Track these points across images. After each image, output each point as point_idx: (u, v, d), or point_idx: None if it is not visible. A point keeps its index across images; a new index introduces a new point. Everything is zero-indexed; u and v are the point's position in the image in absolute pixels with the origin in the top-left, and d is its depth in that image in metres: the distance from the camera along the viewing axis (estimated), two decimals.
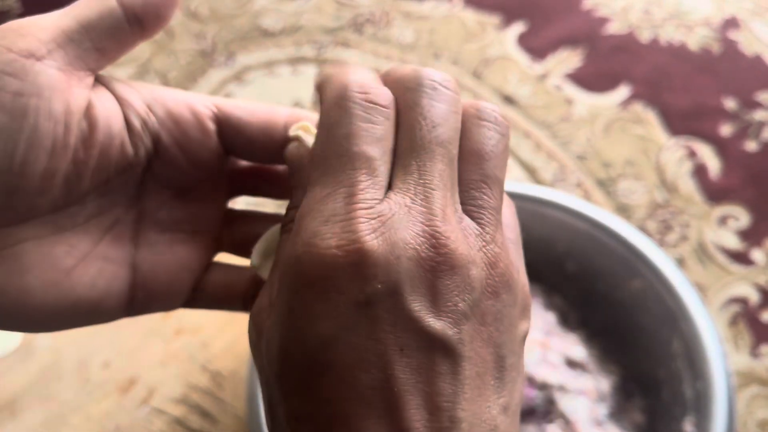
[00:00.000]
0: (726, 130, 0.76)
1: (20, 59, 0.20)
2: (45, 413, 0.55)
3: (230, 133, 0.26)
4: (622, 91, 0.80)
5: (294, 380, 0.19)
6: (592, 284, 0.55)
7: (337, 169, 0.20)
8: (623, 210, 0.69)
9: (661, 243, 0.66)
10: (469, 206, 0.21)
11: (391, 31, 0.90)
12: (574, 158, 0.74)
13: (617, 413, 0.52)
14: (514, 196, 0.54)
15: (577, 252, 0.55)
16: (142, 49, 0.89)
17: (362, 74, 0.23)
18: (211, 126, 0.25)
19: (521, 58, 0.85)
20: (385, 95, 0.22)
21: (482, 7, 0.92)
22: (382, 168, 0.21)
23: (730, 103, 0.78)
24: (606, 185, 0.71)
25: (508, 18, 0.91)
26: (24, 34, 0.21)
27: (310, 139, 0.25)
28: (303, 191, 0.22)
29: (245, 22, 0.93)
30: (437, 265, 0.19)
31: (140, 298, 0.24)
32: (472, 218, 0.21)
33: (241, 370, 0.57)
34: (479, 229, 0.21)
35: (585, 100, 0.80)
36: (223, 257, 0.29)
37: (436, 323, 0.19)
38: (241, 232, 0.28)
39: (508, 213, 0.25)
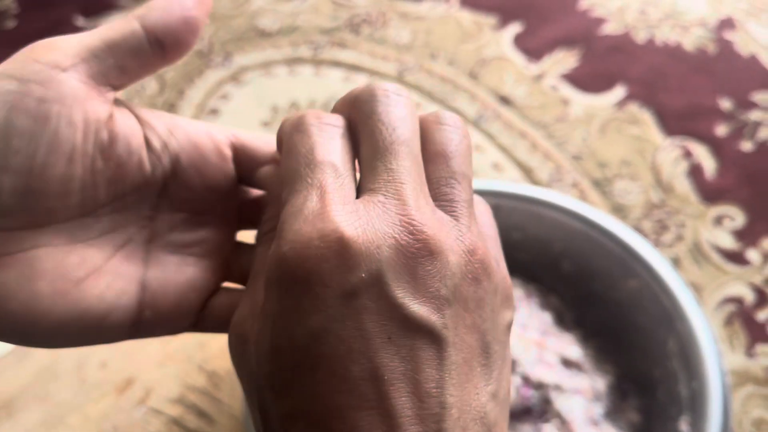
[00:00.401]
0: (721, 130, 0.76)
1: (46, 69, 0.22)
2: (42, 413, 0.55)
3: (245, 160, 0.27)
4: (618, 92, 0.81)
5: (286, 379, 0.20)
6: (588, 284, 0.56)
7: (306, 176, 0.21)
8: (619, 210, 0.69)
9: (657, 243, 0.66)
10: (441, 201, 0.22)
11: (387, 32, 0.90)
12: (570, 158, 0.74)
13: (613, 413, 0.52)
14: (510, 197, 0.54)
15: (573, 252, 0.55)
16: None
17: (314, 111, 0.24)
18: (228, 152, 0.27)
19: (517, 58, 0.86)
20: (335, 117, 0.24)
21: (479, 8, 0.93)
22: (348, 174, 0.22)
23: (725, 104, 0.79)
24: (602, 185, 0.71)
25: (505, 18, 0.91)
26: (52, 48, 0.22)
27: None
28: (275, 206, 0.24)
29: (242, 22, 0.93)
30: (417, 252, 0.20)
31: (147, 317, 0.25)
32: (445, 212, 0.22)
33: None
34: (453, 221, 0.22)
35: (581, 101, 0.80)
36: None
37: (420, 309, 0.19)
38: (249, 263, 0.28)
39: (483, 210, 0.26)
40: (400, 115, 0.23)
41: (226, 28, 0.92)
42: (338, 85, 0.83)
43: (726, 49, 0.85)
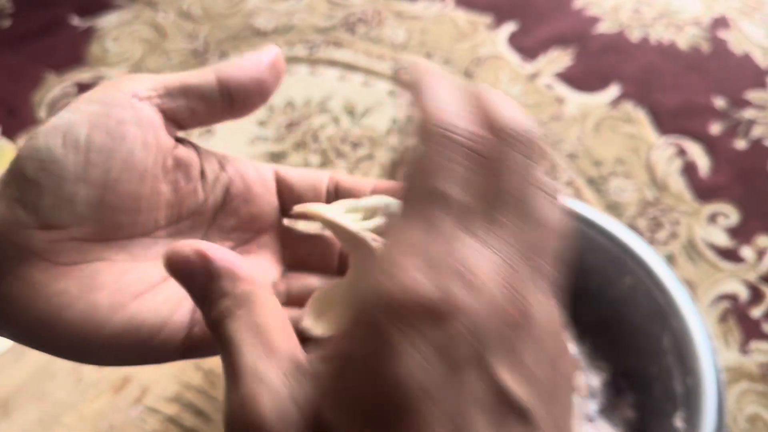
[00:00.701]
0: (715, 128, 0.76)
1: (126, 96, 0.24)
2: (38, 412, 0.55)
3: (285, 191, 0.29)
4: (613, 90, 0.81)
5: (373, 421, 0.19)
6: (583, 282, 0.56)
7: (423, 208, 0.20)
8: (614, 208, 0.69)
9: (652, 240, 0.67)
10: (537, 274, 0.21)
11: (383, 31, 0.90)
12: (565, 157, 0.74)
13: (608, 409, 0.52)
14: None
15: (568, 250, 0.55)
16: (135, 49, 0.89)
17: (463, 105, 0.21)
18: (272, 185, 0.29)
19: (512, 57, 0.86)
20: (488, 143, 0.21)
21: (474, 7, 0.93)
22: (468, 213, 0.20)
23: (719, 102, 0.79)
24: (597, 183, 0.72)
25: (500, 18, 0.91)
26: (133, 80, 0.25)
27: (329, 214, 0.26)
28: (228, 280, 0.22)
29: (238, 21, 0.93)
30: (518, 326, 0.19)
31: (197, 335, 0.25)
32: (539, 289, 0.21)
33: None
34: (546, 298, 0.20)
35: (575, 99, 0.80)
36: None
37: (517, 388, 0.19)
38: (295, 287, 0.29)
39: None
40: (549, 205, 0.21)
41: (221, 27, 0.92)
42: (334, 84, 0.83)
43: (720, 47, 0.85)
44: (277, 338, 0.20)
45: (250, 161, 0.29)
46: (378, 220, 0.25)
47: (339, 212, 0.25)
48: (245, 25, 0.92)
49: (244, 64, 0.26)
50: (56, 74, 0.87)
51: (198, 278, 0.21)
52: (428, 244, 0.19)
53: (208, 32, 0.91)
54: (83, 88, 0.85)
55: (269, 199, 0.29)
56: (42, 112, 0.82)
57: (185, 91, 0.25)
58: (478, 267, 0.19)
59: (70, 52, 0.90)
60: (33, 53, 0.90)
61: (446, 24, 0.91)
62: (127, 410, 0.55)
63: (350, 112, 0.80)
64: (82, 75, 0.86)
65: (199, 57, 0.88)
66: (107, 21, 0.94)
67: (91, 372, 0.57)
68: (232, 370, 0.20)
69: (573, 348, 0.54)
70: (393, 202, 0.25)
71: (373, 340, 0.18)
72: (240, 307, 0.21)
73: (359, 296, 0.19)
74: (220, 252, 0.21)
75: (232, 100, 0.26)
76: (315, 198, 0.29)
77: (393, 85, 0.83)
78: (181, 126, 0.26)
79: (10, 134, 0.79)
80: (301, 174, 0.29)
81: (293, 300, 0.28)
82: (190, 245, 0.21)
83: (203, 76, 0.26)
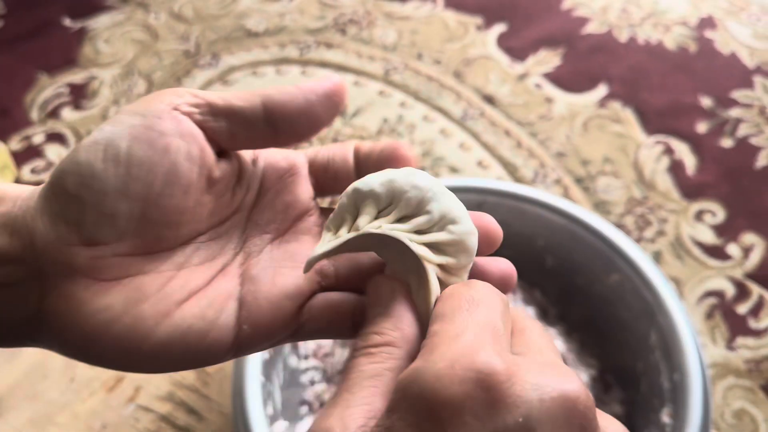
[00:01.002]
0: (702, 127, 0.77)
1: (168, 108, 0.24)
2: (31, 412, 0.55)
3: (319, 172, 0.28)
4: (601, 90, 0.82)
5: None
6: (571, 279, 0.57)
7: (471, 317, 0.22)
8: (602, 206, 0.70)
9: (639, 238, 0.67)
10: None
11: (373, 32, 0.91)
12: (553, 156, 0.75)
13: (596, 405, 0.53)
14: (495, 193, 0.55)
15: (556, 247, 0.56)
16: (127, 50, 0.90)
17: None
18: (304, 168, 0.28)
19: (502, 58, 0.86)
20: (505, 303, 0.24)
21: (463, 8, 0.93)
22: (507, 334, 0.22)
23: (706, 101, 0.80)
24: (585, 182, 0.72)
25: (489, 19, 0.92)
26: (177, 94, 0.24)
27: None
28: (386, 318, 0.24)
29: (229, 22, 0.94)
30: (581, 413, 0.20)
31: (246, 332, 0.25)
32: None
33: (227, 368, 0.57)
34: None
35: (564, 99, 0.81)
36: None
37: None
38: (343, 267, 0.28)
39: None
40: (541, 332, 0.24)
41: (213, 29, 0.92)
42: None
43: (707, 47, 0.86)
44: (380, 398, 0.21)
45: (280, 150, 0.28)
46: (437, 236, 0.25)
47: (400, 232, 0.25)
48: (237, 26, 0.93)
49: (294, 93, 0.25)
50: (48, 75, 0.87)
51: (378, 307, 0.24)
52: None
53: (199, 33, 0.92)
54: (75, 88, 0.85)
55: (303, 185, 0.28)
56: (34, 113, 0.82)
57: (229, 113, 0.24)
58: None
59: (63, 53, 0.90)
60: (25, 54, 0.90)
61: (436, 25, 0.91)
62: (120, 409, 0.55)
63: (341, 112, 0.81)
64: (75, 76, 0.87)
65: (190, 58, 0.88)
66: (99, 22, 0.94)
67: (84, 371, 0.57)
68: (339, 400, 0.21)
69: (561, 345, 0.54)
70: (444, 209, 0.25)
71: (415, 425, 0.19)
72: (377, 351, 0.22)
73: (418, 377, 0.20)
74: (404, 302, 0.24)
75: (276, 130, 0.25)
76: (346, 172, 0.28)
77: (383, 85, 0.83)
78: (221, 148, 0.25)
79: (3, 135, 0.79)
80: (331, 151, 0.28)
81: (342, 281, 0.28)
82: (391, 283, 0.24)
83: (249, 99, 0.25)
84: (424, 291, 0.24)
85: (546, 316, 0.58)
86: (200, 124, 0.24)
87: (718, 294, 0.64)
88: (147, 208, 0.23)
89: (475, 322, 0.21)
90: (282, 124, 0.25)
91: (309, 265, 0.25)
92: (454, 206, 0.25)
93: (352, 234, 0.25)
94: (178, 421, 0.55)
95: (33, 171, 0.76)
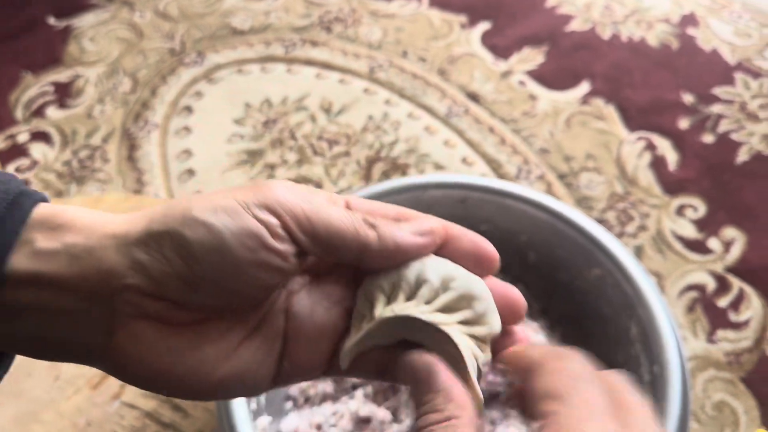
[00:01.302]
0: (684, 123, 0.78)
1: (236, 206, 0.24)
2: (16, 410, 0.55)
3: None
4: (583, 87, 0.82)
5: None
6: (553, 273, 0.57)
7: (581, 397, 0.23)
8: (585, 202, 0.71)
9: (621, 233, 0.68)
10: None
11: (359, 30, 0.91)
12: (537, 152, 0.75)
13: None
14: (479, 189, 0.55)
15: (539, 243, 0.56)
16: (112, 48, 0.90)
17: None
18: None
19: (486, 56, 0.87)
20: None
21: (448, 7, 0.94)
22: None
23: (688, 97, 0.81)
24: (568, 178, 0.73)
25: (474, 17, 0.92)
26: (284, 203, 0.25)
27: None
28: (435, 395, 0.24)
29: (214, 21, 0.94)
30: None
31: (286, 368, 0.27)
32: None
33: None
34: None
35: (547, 96, 0.82)
36: None
37: None
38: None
39: None
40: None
41: (198, 27, 0.93)
42: (311, 82, 0.84)
43: (689, 44, 0.87)
44: None
45: (330, 200, 0.27)
46: (465, 315, 0.26)
47: (429, 313, 0.26)
48: (222, 24, 0.93)
49: (390, 230, 0.26)
50: (33, 74, 0.87)
51: (422, 386, 0.24)
52: None
53: (184, 32, 0.92)
54: (60, 87, 0.85)
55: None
56: (19, 112, 0.82)
57: (325, 252, 0.26)
58: None
59: (47, 51, 0.90)
60: (9, 53, 0.90)
61: (421, 23, 0.92)
62: (105, 406, 0.55)
63: (327, 109, 0.81)
64: (59, 74, 0.87)
65: (176, 56, 0.88)
66: (84, 21, 0.94)
67: (68, 369, 0.57)
68: None
69: (543, 340, 0.55)
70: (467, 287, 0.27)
71: None
72: (442, 428, 0.23)
73: None
74: (444, 373, 0.24)
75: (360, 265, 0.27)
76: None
77: (368, 83, 0.84)
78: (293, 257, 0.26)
79: None
80: (376, 206, 0.29)
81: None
82: (422, 358, 0.25)
83: (349, 223, 0.26)
84: (455, 355, 0.25)
85: (529, 310, 0.58)
86: (276, 237, 0.25)
87: (699, 288, 0.65)
88: (231, 298, 0.25)
89: (589, 405, 0.23)
90: (319, 251, 0.26)
91: (344, 359, 0.27)
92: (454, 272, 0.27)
93: (372, 324, 0.26)
94: (163, 417, 0.55)
95: (17, 170, 0.75)
